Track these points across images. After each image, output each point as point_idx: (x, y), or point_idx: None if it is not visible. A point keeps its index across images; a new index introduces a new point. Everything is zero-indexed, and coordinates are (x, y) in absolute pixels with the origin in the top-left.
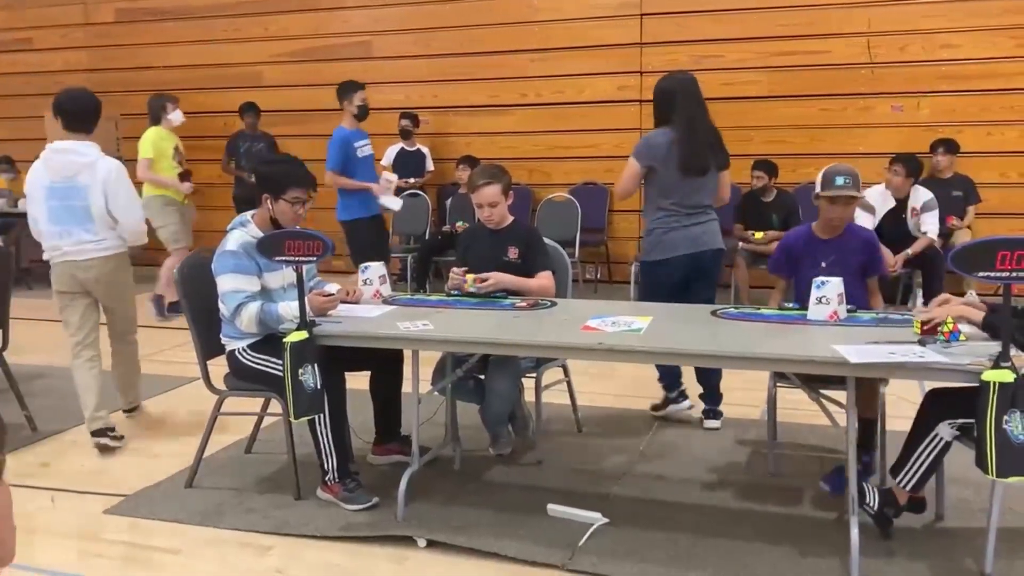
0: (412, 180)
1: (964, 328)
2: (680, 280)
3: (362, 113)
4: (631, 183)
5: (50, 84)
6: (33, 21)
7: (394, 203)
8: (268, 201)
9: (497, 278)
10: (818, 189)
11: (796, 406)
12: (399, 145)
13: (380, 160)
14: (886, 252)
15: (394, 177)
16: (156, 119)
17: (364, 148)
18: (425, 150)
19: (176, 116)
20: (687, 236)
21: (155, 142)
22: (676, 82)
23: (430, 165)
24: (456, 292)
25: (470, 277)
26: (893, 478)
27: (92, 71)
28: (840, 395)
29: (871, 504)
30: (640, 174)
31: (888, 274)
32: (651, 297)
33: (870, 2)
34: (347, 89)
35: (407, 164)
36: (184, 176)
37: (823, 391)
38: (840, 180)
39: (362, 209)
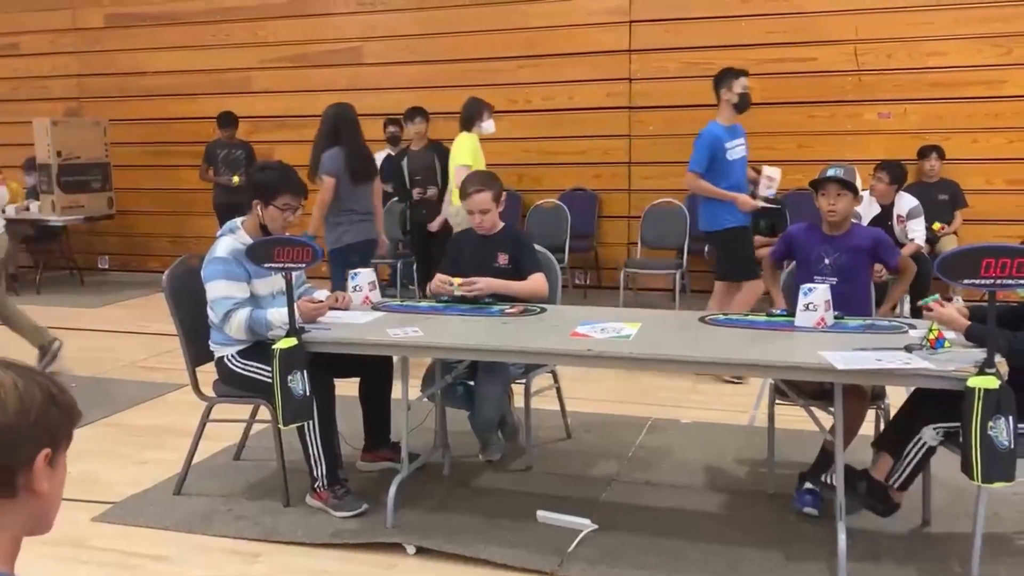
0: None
1: (949, 335)
2: (359, 261)
3: (743, 103)
4: (332, 198)
5: (38, 89)
6: (21, 26)
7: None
8: (258, 207)
9: (486, 283)
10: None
11: (786, 413)
12: (386, 151)
13: None
14: None
15: (776, 172)
16: (469, 124)
17: (737, 148)
18: None
19: (490, 125)
20: (362, 229)
21: (473, 149)
22: (343, 111)
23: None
24: (445, 298)
25: (457, 281)
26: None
27: (81, 76)
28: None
29: (860, 490)
30: (334, 187)
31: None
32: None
33: (857, 10)
34: (727, 76)
35: (394, 170)
36: None
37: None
38: (831, 171)
39: (733, 217)
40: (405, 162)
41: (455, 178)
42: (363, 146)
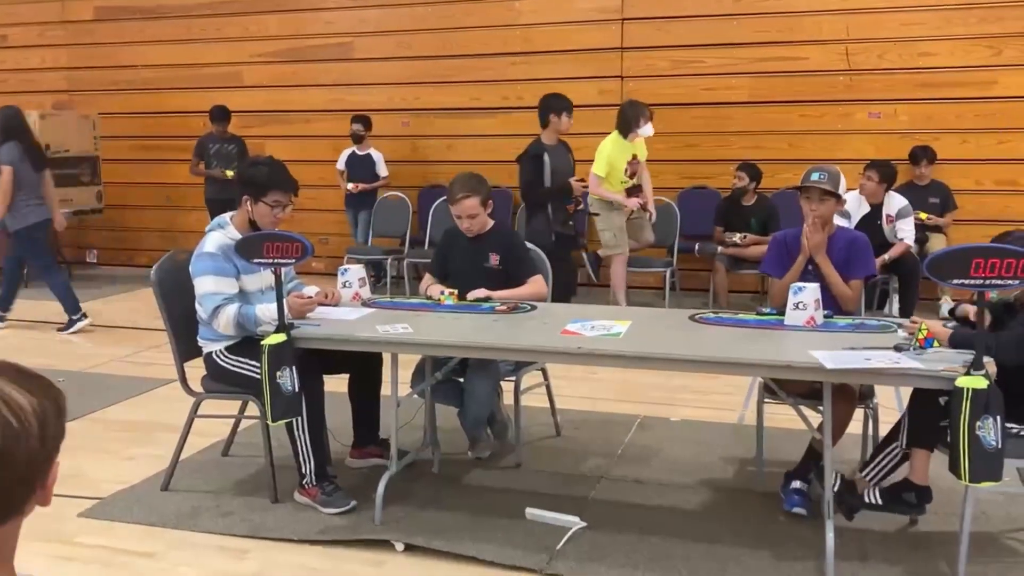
0: (351, 186)
1: None
2: (43, 238)
3: None
4: (12, 185)
5: (27, 82)
6: (9, 18)
7: None
8: (248, 203)
9: (491, 295)
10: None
11: (775, 411)
12: (351, 149)
13: (337, 164)
14: None
15: None
16: (626, 130)
17: None
18: (376, 155)
19: (647, 129)
20: (41, 210)
21: (611, 157)
22: (9, 113)
23: (383, 170)
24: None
25: (448, 295)
26: (859, 471)
27: (70, 69)
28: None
29: (833, 485)
30: (12, 175)
31: (876, 272)
32: (35, 254)
33: (848, 10)
34: None
35: (358, 168)
36: (633, 191)
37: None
38: (815, 175)
39: None
40: (547, 159)
41: (589, 186)
42: (36, 141)
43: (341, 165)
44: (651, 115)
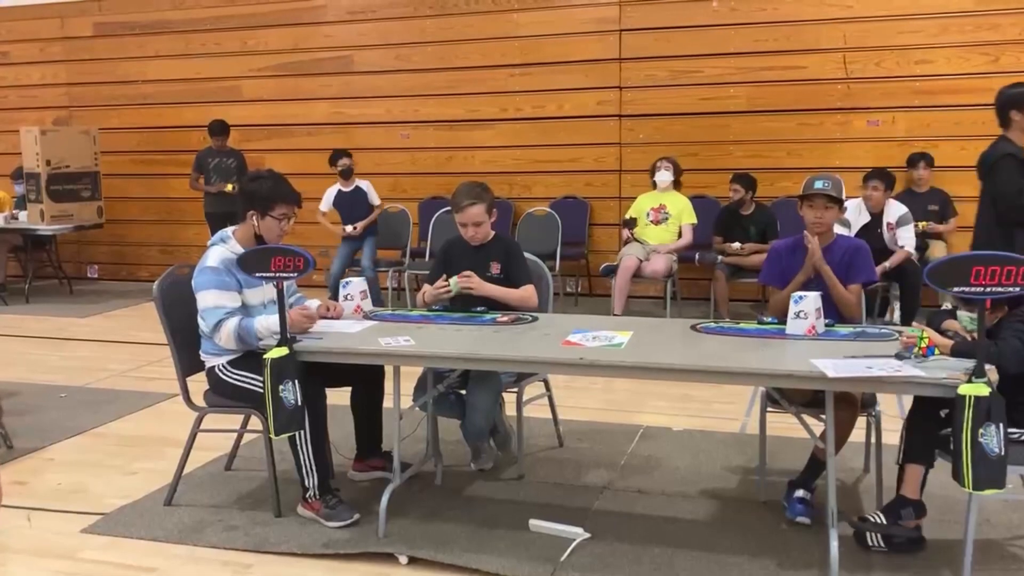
0: (352, 228)
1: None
2: None
3: None
4: None
5: (27, 98)
6: (10, 34)
7: None
8: (254, 217)
9: (480, 286)
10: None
11: (777, 420)
12: (336, 187)
13: (320, 206)
14: None
15: None
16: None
17: None
18: (365, 185)
19: (661, 176)
20: None
21: (638, 203)
22: None
23: (375, 199)
24: (438, 307)
25: (453, 280)
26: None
27: (70, 85)
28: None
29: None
30: None
31: (876, 279)
32: None
33: (846, 18)
34: None
35: (350, 207)
36: (628, 224)
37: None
38: (819, 183)
39: None
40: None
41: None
42: None
43: (326, 206)
44: (664, 165)
